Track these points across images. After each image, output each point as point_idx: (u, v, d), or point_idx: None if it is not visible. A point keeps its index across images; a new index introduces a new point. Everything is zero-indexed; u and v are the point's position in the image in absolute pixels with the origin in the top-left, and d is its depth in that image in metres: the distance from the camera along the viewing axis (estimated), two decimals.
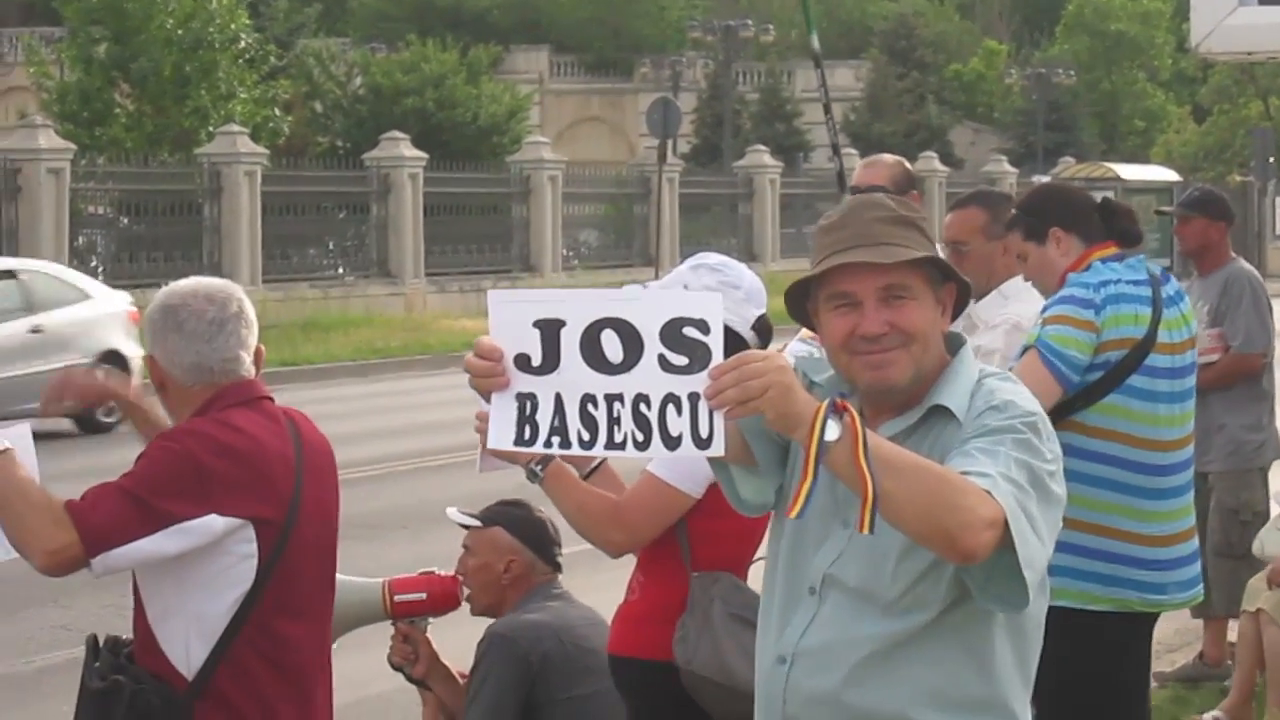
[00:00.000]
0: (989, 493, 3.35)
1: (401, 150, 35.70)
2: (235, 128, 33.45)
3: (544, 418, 3.47)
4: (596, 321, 3.44)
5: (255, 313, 4.62)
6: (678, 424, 3.39)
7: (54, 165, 29.61)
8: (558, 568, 5.89)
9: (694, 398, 3.38)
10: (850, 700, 3.58)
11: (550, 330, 3.47)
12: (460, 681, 5.84)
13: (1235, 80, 67.02)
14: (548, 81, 72.19)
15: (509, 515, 5.85)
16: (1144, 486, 5.86)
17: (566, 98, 73.39)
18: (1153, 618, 6.02)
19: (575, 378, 3.45)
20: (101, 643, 4.53)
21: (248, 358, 4.53)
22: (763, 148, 46.92)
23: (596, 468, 4.99)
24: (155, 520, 4.29)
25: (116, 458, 4.80)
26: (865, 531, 3.29)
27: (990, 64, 74.22)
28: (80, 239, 31.27)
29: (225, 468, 4.36)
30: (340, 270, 35.39)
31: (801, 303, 3.69)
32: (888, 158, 8.36)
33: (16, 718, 9.28)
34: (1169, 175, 44.48)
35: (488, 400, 3.53)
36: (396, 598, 5.70)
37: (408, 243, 35.21)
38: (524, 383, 3.49)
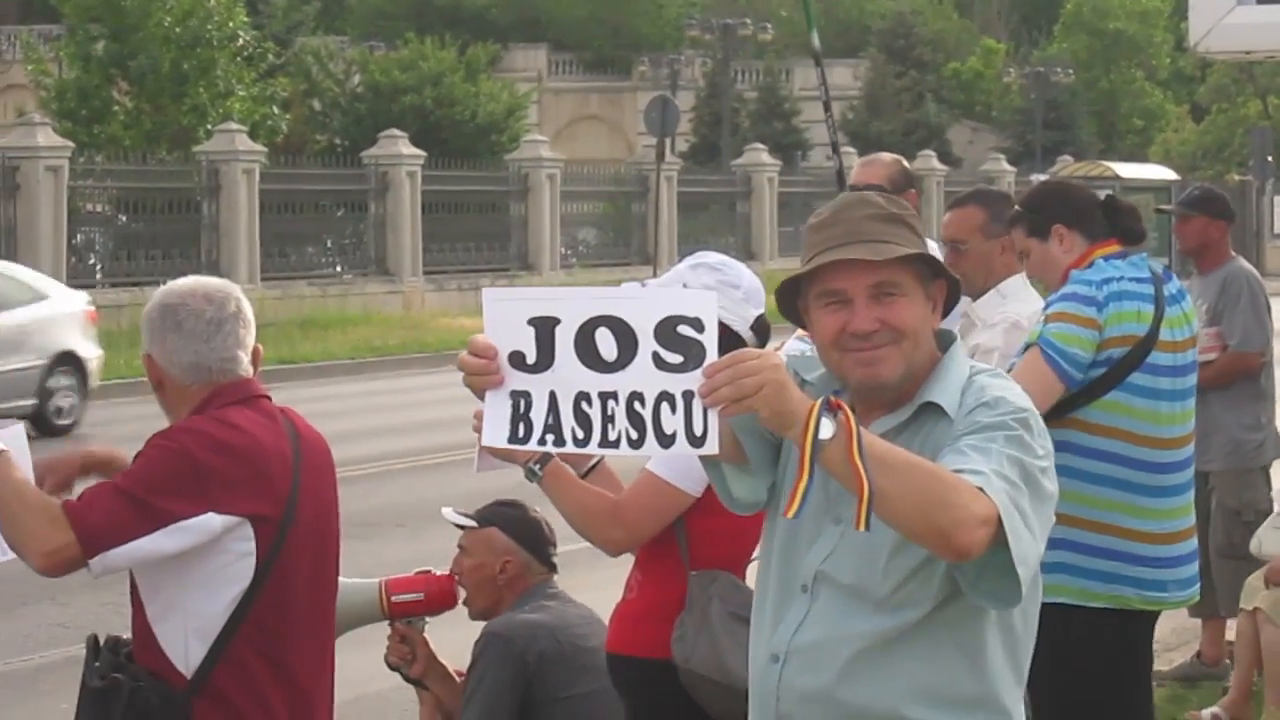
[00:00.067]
0: (982, 490, 3.36)
1: (400, 148, 35.69)
2: (233, 125, 33.46)
3: (538, 416, 3.48)
4: (591, 319, 3.44)
5: (253, 311, 4.62)
6: (672, 422, 3.39)
7: (52, 163, 29.60)
8: (553, 568, 5.89)
9: (688, 396, 3.38)
10: (843, 697, 3.59)
11: (545, 328, 3.47)
12: (457, 680, 5.84)
13: (1234, 79, 67.06)
14: (546, 80, 72.14)
15: (504, 515, 5.85)
16: (1145, 484, 5.86)
17: (565, 96, 73.36)
18: (1153, 616, 6.02)
19: (569, 375, 3.45)
20: (102, 642, 4.53)
21: (245, 357, 4.54)
22: (761, 146, 46.90)
23: (594, 466, 4.99)
24: (153, 519, 4.29)
25: None
26: (862, 529, 3.29)
27: (988, 63, 74.19)
28: (78, 237, 31.28)
29: (223, 465, 4.36)
30: (338, 268, 35.40)
31: (792, 300, 3.70)
32: (885, 156, 8.36)
33: (15, 715, 9.28)
34: (1167, 174, 44.47)
35: (482, 398, 3.53)
36: (393, 598, 5.69)
37: (406, 241, 35.21)
38: (518, 381, 3.49)
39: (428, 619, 5.83)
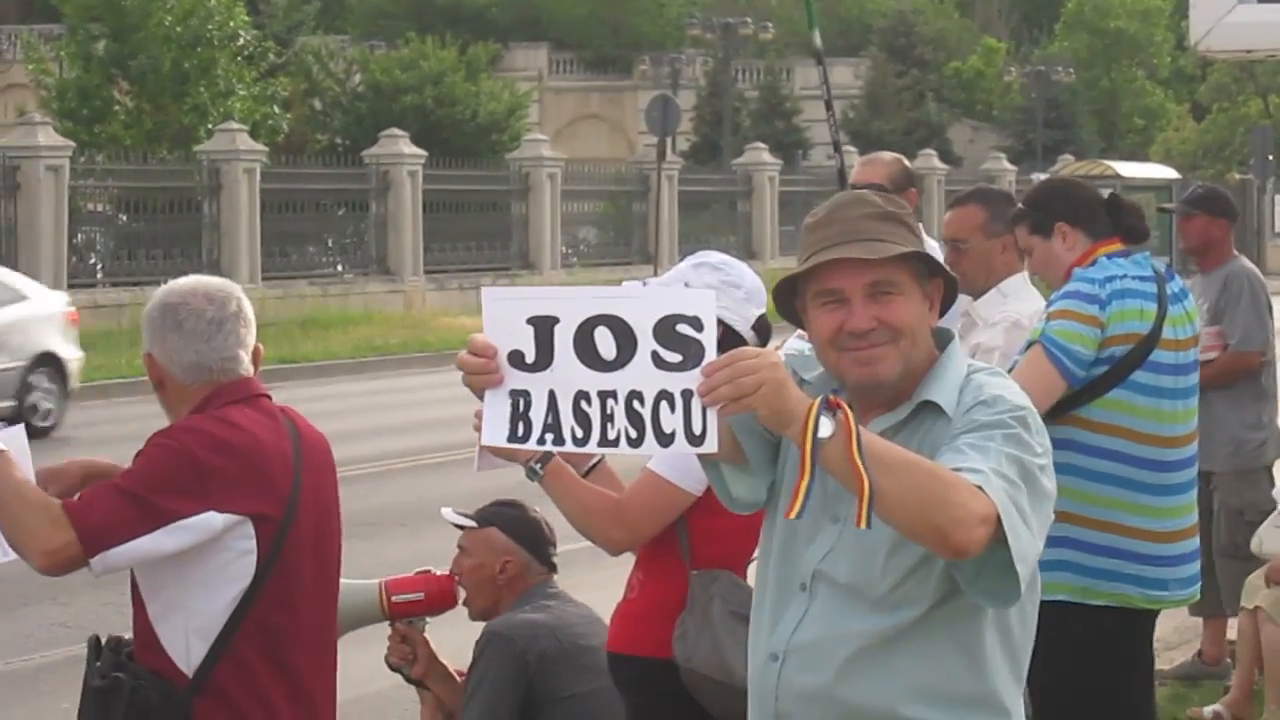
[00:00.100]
0: (981, 488, 3.36)
1: (400, 148, 35.69)
2: (234, 125, 33.45)
3: (537, 414, 3.48)
4: (590, 318, 3.45)
5: (254, 310, 4.62)
6: (671, 421, 3.40)
7: (53, 162, 29.60)
8: (553, 568, 5.89)
9: (687, 394, 3.38)
10: (841, 696, 3.59)
11: (544, 327, 3.47)
12: (458, 680, 5.84)
13: (1234, 78, 67.07)
14: (547, 79, 72.13)
15: (504, 515, 5.85)
16: (1148, 482, 5.86)
17: (565, 95, 73.36)
18: (1153, 614, 6.01)
19: (569, 374, 3.45)
20: (103, 642, 4.53)
21: (246, 356, 4.54)
22: (762, 145, 46.87)
23: (595, 466, 4.99)
24: (154, 518, 4.30)
25: (53, 460, 4.79)
26: (863, 526, 3.29)
27: (989, 61, 74.18)
28: (79, 236, 31.28)
29: (223, 464, 4.36)
30: (339, 268, 35.40)
31: (790, 300, 3.70)
32: (886, 155, 8.36)
33: (16, 715, 9.28)
34: (1168, 173, 44.49)
35: (482, 398, 3.53)
36: (394, 598, 5.69)
37: (407, 240, 35.21)
38: (517, 380, 3.49)
39: (428, 619, 5.83)
